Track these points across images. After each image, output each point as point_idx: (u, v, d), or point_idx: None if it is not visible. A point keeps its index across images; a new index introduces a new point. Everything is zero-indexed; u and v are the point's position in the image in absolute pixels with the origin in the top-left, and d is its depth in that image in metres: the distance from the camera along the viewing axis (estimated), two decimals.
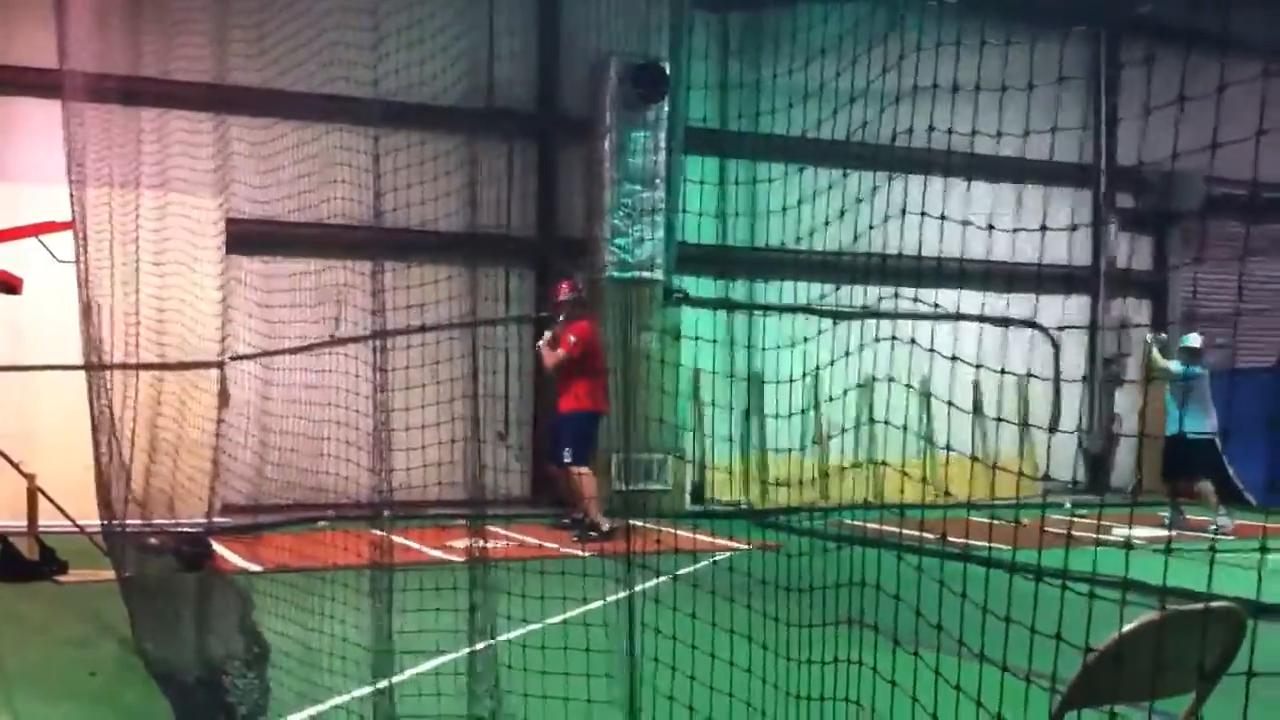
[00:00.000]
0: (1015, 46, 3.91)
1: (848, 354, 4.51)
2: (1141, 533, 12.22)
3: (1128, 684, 3.16)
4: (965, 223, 3.89)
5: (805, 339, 4.96)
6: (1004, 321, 15.51)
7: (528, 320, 14.04)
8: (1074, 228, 18.11)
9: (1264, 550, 2.95)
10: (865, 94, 4.78)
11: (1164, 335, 15.69)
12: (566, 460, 12.67)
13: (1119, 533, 11.18)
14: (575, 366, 12.79)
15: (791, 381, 4.99)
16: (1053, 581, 3.58)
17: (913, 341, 4.24)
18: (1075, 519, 12.82)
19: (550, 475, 14.06)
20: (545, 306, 13.61)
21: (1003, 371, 4.13)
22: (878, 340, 4.35)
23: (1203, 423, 14.13)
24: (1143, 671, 3.10)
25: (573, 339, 12.80)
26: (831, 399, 5.47)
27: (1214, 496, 14.17)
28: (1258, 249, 17.82)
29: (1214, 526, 13.33)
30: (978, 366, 4.07)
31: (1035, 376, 16.94)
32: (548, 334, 13.23)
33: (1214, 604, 3.20)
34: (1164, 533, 12.75)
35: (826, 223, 4.76)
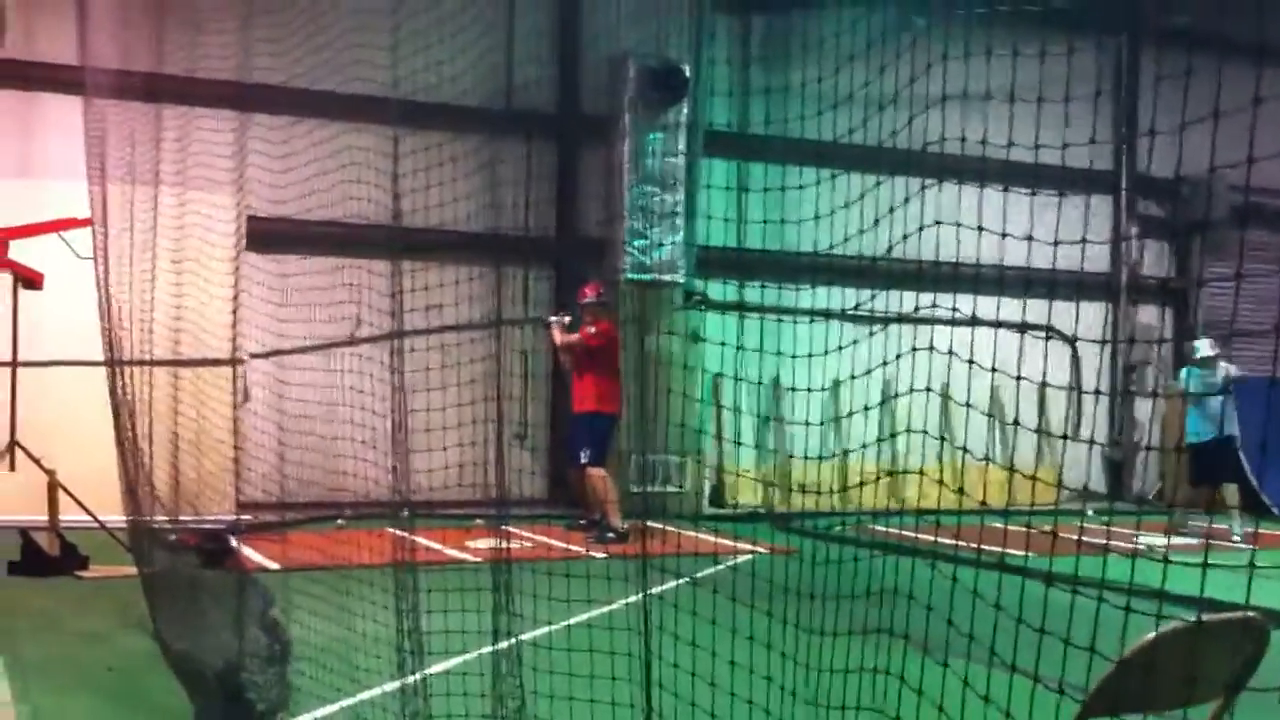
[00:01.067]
0: (1038, 54, 3.90)
1: (883, 363, 4.50)
2: (1162, 541, 12.16)
3: (1149, 693, 3.15)
4: (1003, 234, 3.87)
5: (838, 347, 4.94)
6: (1025, 328, 15.48)
7: (544, 323, 13.98)
8: (1111, 240, 18.07)
9: None
10: (894, 101, 4.77)
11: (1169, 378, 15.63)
12: (584, 461, 12.65)
13: (1143, 541, 11.14)
14: (594, 366, 12.77)
15: (815, 390, 4.99)
16: (1063, 587, 3.58)
17: (942, 350, 4.22)
18: (1088, 526, 12.75)
19: (566, 477, 14.06)
20: (566, 306, 13.58)
21: (1018, 378, 4.12)
22: (903, 351, 4.34)
23: (1220, 428, 14.02)
24: (1165, 681, 3.09)
25: (593, 330, 12.78)
26: (854, 411, 5.48)
27: (1237, 502, 14.09)
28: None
29: (1237, 536, 13.31)
30: (994, 371, 4.05)
31: (1060, 387, 16.85)
32: (564, 317, 13.18)
33: (1238, 614, 3.19)
34: (1189, 541, 12.70)
35: (861, 231, 4.75)
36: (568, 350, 13.00)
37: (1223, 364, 14.13)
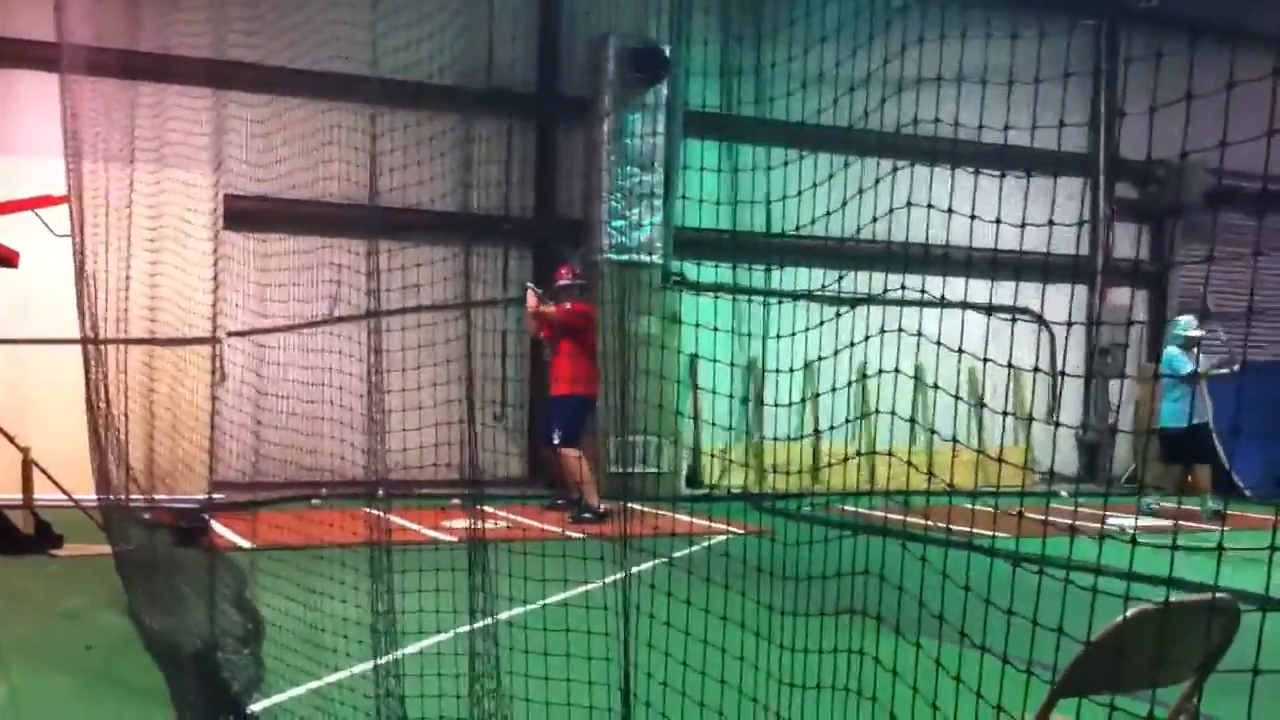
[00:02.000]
0: (1015, 37, 3.90)
1: (851, 343, 4.51)
2: (1130, 522, 12.23)
3: (1121, 674, 3.17)
4: (972, 216, 3.88)
5: (810, 328, 4.95)
6: (997, 309, 15.53)
7: (523, 288, 14.04)
8: (1081, 223, 18.13)
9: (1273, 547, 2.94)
10: (867, 82, 4.77)
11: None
12: (555, 441, 12.70)
13: (1111, 522, 11.20)
14: (569, 347, 12.78)
15: (791, 371, 5.00)
16: (1030, 568, 3.60)
17: (919, 333, 4.23)
18: (1063, 507, 12.84)
19: (543, 457, 14.11)
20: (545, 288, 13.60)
21: (986, 360, 4.13)
22: (881, 330, 4.35)
23: (1191, 415, 14.04)
24: (1136, 662, 3.12)
25: (569, 306, 12.82)
26: (832, 390, 5.48)
27: (1208, 483, 14.17)
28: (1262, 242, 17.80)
29: (1214, 509, 13.44)
30: (960, 353, 4.06)
31: (1039, 371, 16.93)
32: (534, 289, 13.30)
33: (1206, 596, 3.21)
34: (1159, 523, 12.77)
35: (829, 211, 4.74)
36: (541, 320, 13.05)
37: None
